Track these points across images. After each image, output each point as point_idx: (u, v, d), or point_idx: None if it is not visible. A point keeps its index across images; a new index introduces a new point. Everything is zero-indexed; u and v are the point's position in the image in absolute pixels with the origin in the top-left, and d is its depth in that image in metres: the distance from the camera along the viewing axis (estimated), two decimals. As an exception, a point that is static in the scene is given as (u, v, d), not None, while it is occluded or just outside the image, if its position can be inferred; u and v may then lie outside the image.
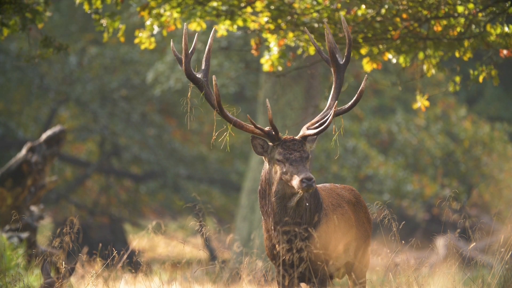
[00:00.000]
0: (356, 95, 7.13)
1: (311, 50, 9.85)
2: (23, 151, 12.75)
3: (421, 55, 9.76)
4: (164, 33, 10.01)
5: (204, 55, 7.22)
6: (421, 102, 10.24)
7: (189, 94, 7.20)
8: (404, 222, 7.94)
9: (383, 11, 9.43)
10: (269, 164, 7.09)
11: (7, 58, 23.45)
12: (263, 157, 7.09)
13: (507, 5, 9.26)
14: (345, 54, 7.34)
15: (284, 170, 6.98)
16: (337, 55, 7.37)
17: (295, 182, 6.88)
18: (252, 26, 9.79)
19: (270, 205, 7.06)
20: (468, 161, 23.84)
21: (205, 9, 9.72)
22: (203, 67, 7.19)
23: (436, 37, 9.52)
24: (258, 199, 7.15)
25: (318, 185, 7.26)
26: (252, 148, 7.05)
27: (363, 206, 7.50)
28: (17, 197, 12.55)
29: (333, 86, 7.30)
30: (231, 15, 9.73)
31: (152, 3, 9.81)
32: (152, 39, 10.05)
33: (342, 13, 9.50)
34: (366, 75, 7.30)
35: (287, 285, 7.11)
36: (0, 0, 9.66)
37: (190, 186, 24.90)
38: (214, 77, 6.92)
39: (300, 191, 6.88)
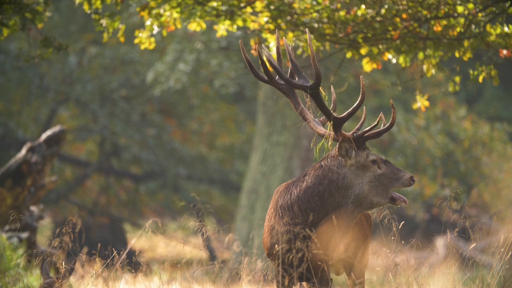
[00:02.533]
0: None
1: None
2: (23, 151, 12.74)
3: (421, 55, 9.76)
4: (164, 33, 10.01)
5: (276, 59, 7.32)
6: (421, 102, 10.24)
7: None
8: (404, 222, 7.94)
9: (383, 11, 9.43)
10: (349, 168, 7.09)
11: (7, 58, 23.45)
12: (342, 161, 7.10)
13: (507, 5, 9.26)
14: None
15: (382, 171, 7.10)
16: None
17: (404, 179, 7.06)
18: (252, 26, 9.79)
19: (329, 206, 7.02)
20: (467, 161, 23.83)
21: (205, 9, 9.72)
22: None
23: (436, 37, 9.51)
24: (308, 197, 7.07)
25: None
26: (338, 149, 7.11)
27: None
28: (17, 197, 12.54)
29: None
30: (230, 15, 9.73)
31: (152, 3, 9.81)
32: (152, 39, 10.05)
33: (342, 13, 9.49)
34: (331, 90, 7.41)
35: (287, 285, 7.10)
36: (0, 0, 9.65)
37: (190, 186, 24.89)
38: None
39: (406, 187, 7.08)
